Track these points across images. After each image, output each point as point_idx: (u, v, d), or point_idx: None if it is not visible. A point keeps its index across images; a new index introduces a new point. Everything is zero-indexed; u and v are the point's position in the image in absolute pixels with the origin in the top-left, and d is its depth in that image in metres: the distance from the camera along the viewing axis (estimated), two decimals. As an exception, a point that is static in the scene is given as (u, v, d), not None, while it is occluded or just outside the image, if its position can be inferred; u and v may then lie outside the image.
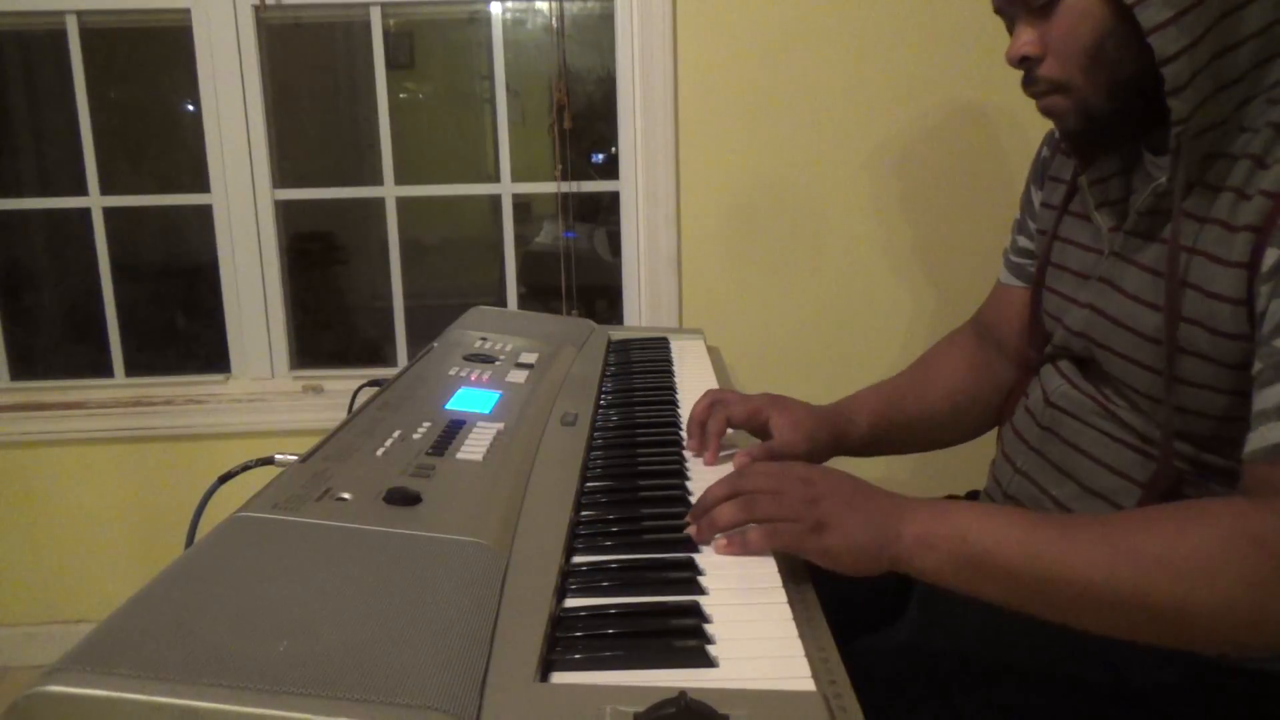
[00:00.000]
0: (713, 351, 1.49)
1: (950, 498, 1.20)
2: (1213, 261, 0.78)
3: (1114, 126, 0.85)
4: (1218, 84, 0.77)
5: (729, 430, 1.05)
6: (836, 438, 1.10)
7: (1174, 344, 0.81)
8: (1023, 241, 1.12)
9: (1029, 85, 0.87)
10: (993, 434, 1.17)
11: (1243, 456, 0.74)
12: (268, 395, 2.03)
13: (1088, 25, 0.80)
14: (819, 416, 1.09)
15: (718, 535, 0.79)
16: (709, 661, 0.62)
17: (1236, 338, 0.77)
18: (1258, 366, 0.74)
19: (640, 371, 1.35)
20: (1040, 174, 1.08)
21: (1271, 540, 0.67)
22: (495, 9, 1.98)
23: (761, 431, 1.07)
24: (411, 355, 1.65)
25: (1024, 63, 0.86)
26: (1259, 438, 0.72)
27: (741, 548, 0.77)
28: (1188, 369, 0.80)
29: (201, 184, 1.97)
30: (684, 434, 1.07)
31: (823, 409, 1.11)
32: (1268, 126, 0.76)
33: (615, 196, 1.98)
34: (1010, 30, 0.91)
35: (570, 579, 0.73)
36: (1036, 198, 1.09)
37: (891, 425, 1.14)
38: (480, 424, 0.98)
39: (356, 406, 1.08)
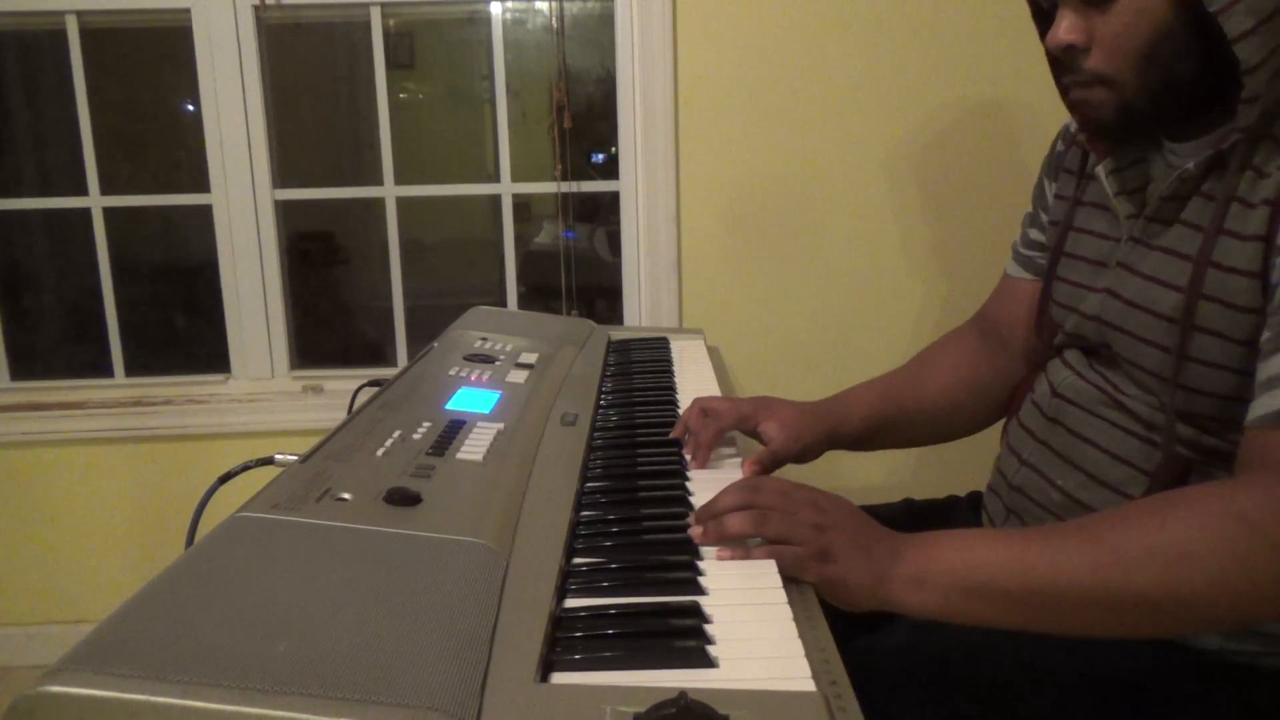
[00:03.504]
0: (713, 351, 1.49)
1: (952, 497, 1.20)
2: (1231, 237, 0.79)
3: (1148, 124, 0.85)
4: None
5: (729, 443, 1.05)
6: (829, 433, 1.10)
7: (1190, 320, 0.81)
8: (1034, 234, 1.12)
9: (1069, 74, 0.86)
10: (993, 432, 1.17)
11: (1245, 424, 0.74)
12: (268, 395, 2.03)
13: (1146, 23, 0.79)
14: (809, 415, 1.09)
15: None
16: (709, 662, 0.62)
17: (1250, 311, 0.77)
18: (1266, 335, 0.75)
19: (640, 371, 1.35)
20: (1055, 167, 1.08)
21: (1256, 516, 0.67)
22: (495, 9, 1.98)
23: (752, 435, 1.07)
24: (411, 355, 1.65)
25: (1067, 51, 0.84)
26: (1263, 404, 0.73)
27: (744, 557, 0.77)
28: (1200, 347, 0.81)
29: (201, 184, 1.97)
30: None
31: (814, 405, 1.11)
32: None
33: (615, 196, 1.98)
34: (1037, 14, 0.90)
35: (570, 579, 0.73)
36: (1050, 190, 1.09)
37: (887, 419, 1.15)
38: (480, 424, 0.98)
39: (356, 406, 1.08)
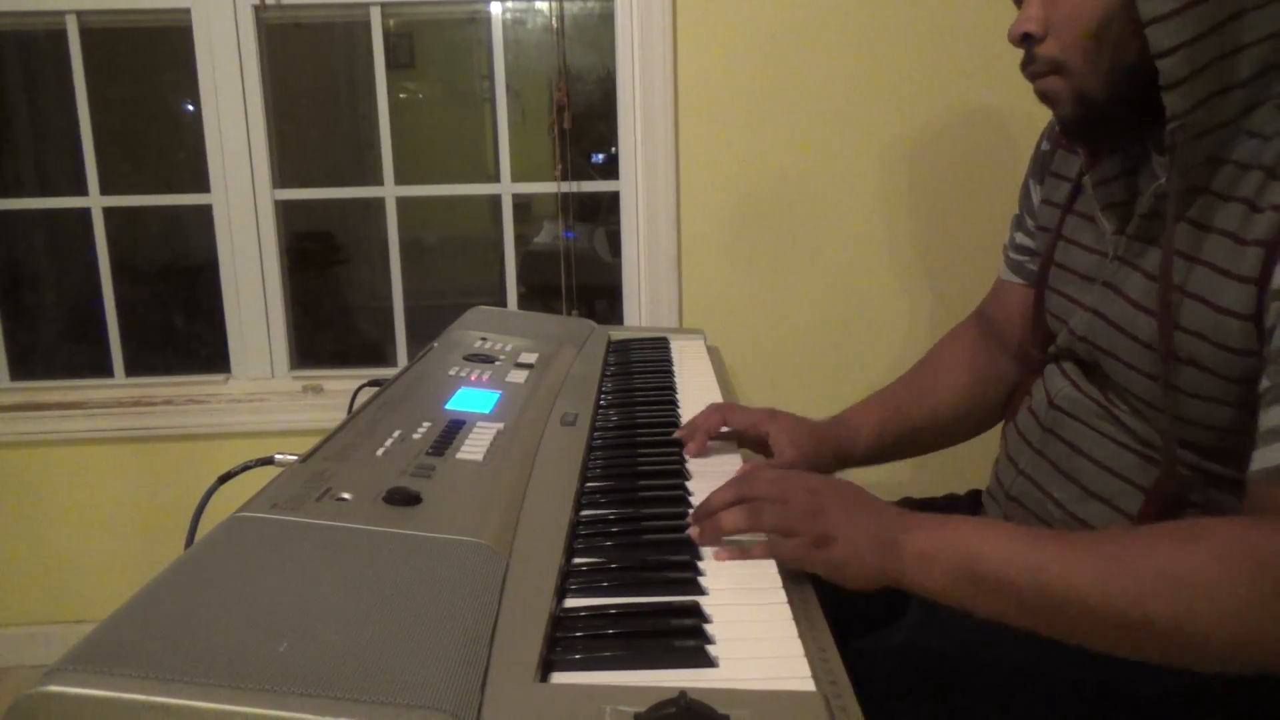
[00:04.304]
0: (713, 351, 1.49)
1: (951, 496, 1.20)
2: (1220, 274, 0.77)
3: (1109, 116, 0.84)
4: (1219, 86, 0.76)
5: (728, 440, 1.05)
6: (838, 455, 1.10)
7: (1169, 349, 0.80)
8: (1021, 238, 1.11)
9: (1027, 65, 0.87)
10: (994, 431, 1.17)
11: (1248, 474, 0.73)
12: (268, 395, 2.03)
13: (1094, 5, 0.80)
14: (819, 435, 1.09)
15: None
16: (709, 661, 0.62)
17: (1243, 353, 0.76)
18: (1265, 384, 0.73)
19: (640, 371, 1.35)
20: (1040, 169, 1.07)
21: (1274, 562, 0.66)
22: (495, 9, 1.98)
23: (760, 445, 1.07)
24: (411, 355, 1.65)
25: (1025, 40, 0.85)
26: (1263, 458, 0.71)
27: (743, 557, 0.77)
28: (1188, 380, 0.80)
29: (201, 184, 1.97)
30: (684, 434, 1.06)
31: (824, 425, 1.11)
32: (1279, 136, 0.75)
33: (615, 196, 1.98)
34: (1019, 8, 0.90)
35: (570, 579, 0.73)
36: (1036, 193, 1.08)
37: (896, 435, 1.14)
38: (480, 424, 0.98)
39: (356, 406, 1.08)
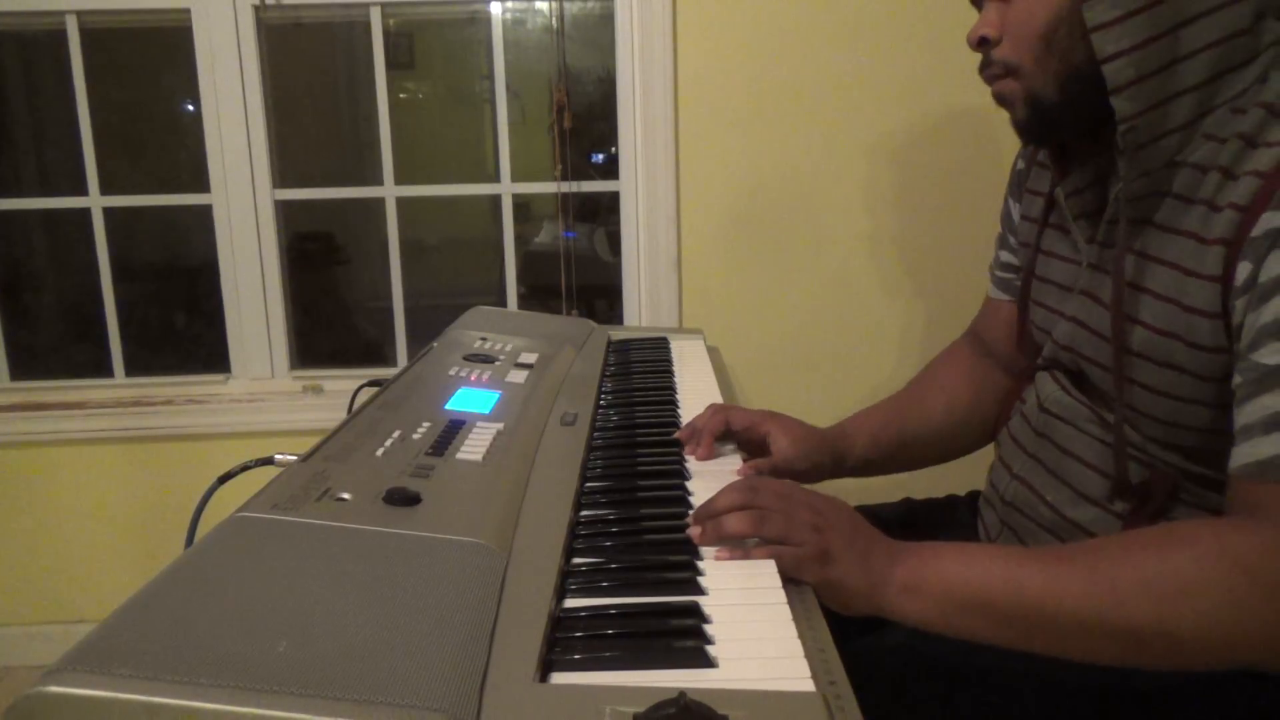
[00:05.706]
0: (713, 351, 1.49)
1: (951, 497, 1.20)
2: (1187, 275, 0.78)
3: (1060, 119, 0.86)
4: (1168, 90, 0.78)
5: (727, 441, 1.05)
6: (835, 458, 1.10)
7: (1121, 344, 0.82)
8: (1005, 256, 1.13)
9: (984, 68, 0.89)
10: (992, 434, 1.17)
11: (1228, 472, 0.74)
12: (268, 395, 2.03)
13: (1043, 9, 0.82)
14: (819, 438, 1.09)
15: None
16: (709, 662, 0.62)
17: (1216, 351, 0.77)
18: (1237, 380, 0.74)
19: (640, 371, 1.35)
20: (1018, 187, 1.09)
21: (1251, 561, 0.67)
22: (495, 9, 1.98)
23: (759, 445, 1.07)
24: (411, 355, 1.65)
25: (982, 45, 0.87)
26: (1242, 454, 0.72)
27: (743, 557, 0.77)
28: (1167, 382, 0.81)
29: (201, 184, 1.97)
30: (684, 434, 1.06)
31: (822, 432, 1.11)
32: (1236, 138, 0.76)
33: (615, 196, 1.98)
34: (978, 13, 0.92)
35: (570, 579, 0.73)
36: (1015, 211, 1.09)
37: (890, 446, 1.15)
38: (480, 424, 0.98)
39: (356, 406, 1.08)
